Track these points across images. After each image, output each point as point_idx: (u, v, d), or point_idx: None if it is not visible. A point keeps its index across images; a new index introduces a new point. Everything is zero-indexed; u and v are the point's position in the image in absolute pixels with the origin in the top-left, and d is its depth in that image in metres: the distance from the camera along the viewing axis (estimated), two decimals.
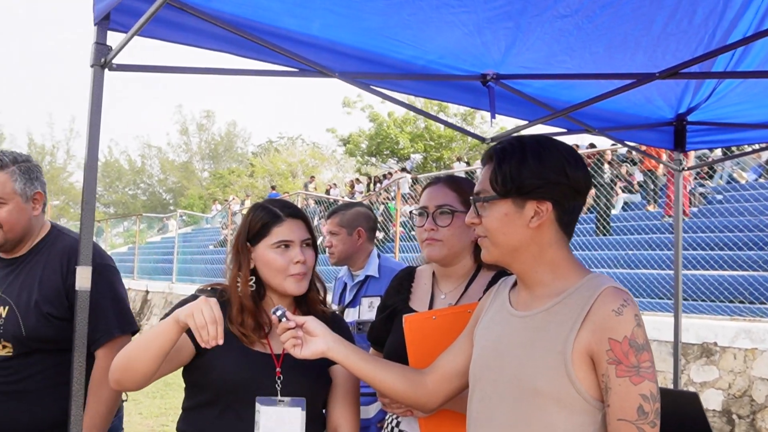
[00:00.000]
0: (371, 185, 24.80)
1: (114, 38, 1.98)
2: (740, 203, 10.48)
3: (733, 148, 9.14)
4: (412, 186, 18.18)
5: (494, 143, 1.68)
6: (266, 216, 1.98)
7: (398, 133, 29.68)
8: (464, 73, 2.78)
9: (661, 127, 3.75)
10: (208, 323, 1.66)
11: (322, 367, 1.98)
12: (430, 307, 2.18)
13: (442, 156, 29.85)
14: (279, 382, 1.88)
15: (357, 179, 27.52)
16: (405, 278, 2.32)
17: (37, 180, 2.43)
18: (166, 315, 1.86)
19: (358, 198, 23.21)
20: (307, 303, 2.04)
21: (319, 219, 22.06)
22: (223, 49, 2.20)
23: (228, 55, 2.23)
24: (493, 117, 2.80)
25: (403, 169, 26.17)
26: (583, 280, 1.57)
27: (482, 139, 3.15)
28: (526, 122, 3.13)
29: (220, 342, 1.68)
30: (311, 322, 1.78)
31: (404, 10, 2.25)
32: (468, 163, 22.82)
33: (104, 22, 1.96)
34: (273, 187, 29.89)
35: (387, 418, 2.26)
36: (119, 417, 2.57)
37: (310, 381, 1.93)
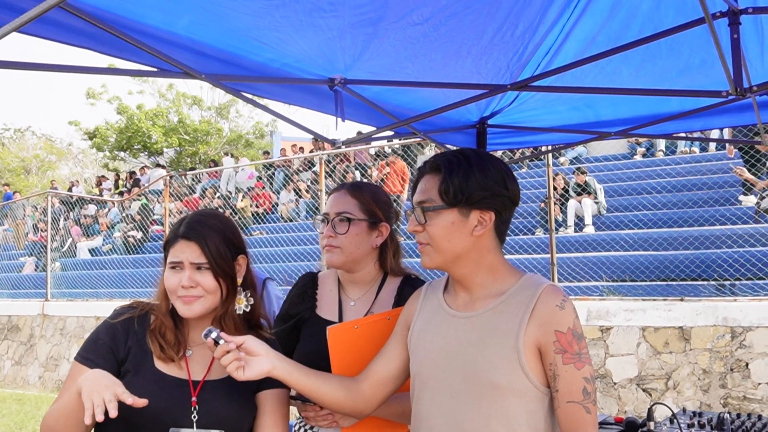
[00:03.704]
0: (120, 182, 23.20)
1: None
2: None
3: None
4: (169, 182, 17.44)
5: (436, 156, 1.72)
6: (170, 233, 1.84)
7: (150, 126, 28.07)
8: (314, 77, 2.77)
9: (467, 130, 4.07)
10: (106, 402, 1.49)
11: (247, 393, 1.84)
12: (340, 314, 2.16)
13: (198, 150, 28.92)
14: (195, 412, 1.73)
15: (104, 176, 25.61)
16: (308, 285, 2.26)
17: None
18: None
19: (107, 196, 21.58)
20: (225, 322, 1.84)
21: (65, 221, 20.06)
22: (84, 45, 1.93)
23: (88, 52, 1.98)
24: (343, 120, 2.82)
25: (158, 165, 24.92)
26: (520, 281, 1.70)
27: (332, 143, 3.16)
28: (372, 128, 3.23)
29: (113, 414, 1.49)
30: (251, 341, 1.69)
31: (278, 12, 2.17)
32: (234, 157, 22.51)
33: None
34: (6, 185, 26.59)
35: (295, 427, 2.19)
36: None
37: (231, 411, 1.79)
